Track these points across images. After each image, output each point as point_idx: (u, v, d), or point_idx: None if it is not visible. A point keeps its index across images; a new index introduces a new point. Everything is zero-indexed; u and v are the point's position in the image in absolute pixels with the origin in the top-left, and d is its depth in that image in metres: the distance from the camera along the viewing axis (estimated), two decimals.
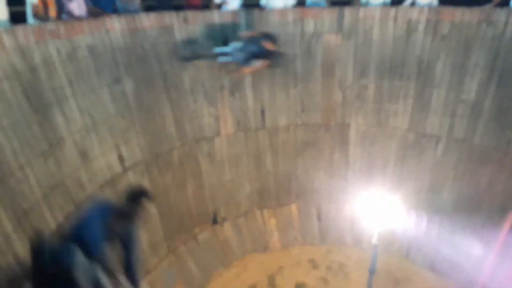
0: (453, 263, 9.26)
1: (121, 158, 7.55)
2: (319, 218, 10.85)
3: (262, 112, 9.54)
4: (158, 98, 8.16)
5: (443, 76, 8.59)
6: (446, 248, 9.43)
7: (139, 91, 7.77)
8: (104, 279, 4.16)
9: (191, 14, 8.10)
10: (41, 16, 6.61)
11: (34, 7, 6.59)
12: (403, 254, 10.03)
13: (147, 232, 8.15)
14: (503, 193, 8.27)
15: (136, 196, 4.72)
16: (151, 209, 8.05)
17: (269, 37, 7.78)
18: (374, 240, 5.88)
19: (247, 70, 7.99)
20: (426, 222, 9.80)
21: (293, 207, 10.89)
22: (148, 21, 7.63)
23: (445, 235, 9.47)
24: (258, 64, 7.79)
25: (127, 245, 4.47)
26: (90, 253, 4.08)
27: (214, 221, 9.93)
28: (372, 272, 6.14)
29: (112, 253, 4.38)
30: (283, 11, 8.71)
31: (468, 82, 8.33)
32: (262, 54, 7.69)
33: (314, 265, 9.86)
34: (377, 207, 5.82)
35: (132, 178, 7.69)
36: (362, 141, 10.07)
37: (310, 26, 8.86)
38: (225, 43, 8.33)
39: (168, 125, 8.45)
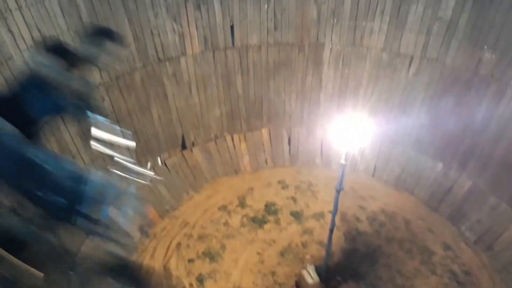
0: (416, 181, 9.67)
1: None
2: (289, 141, 10.86)
3: (232, 28, 8.91)
4: (115, 12, 7.37)
5: None
6: (410, 167, 9.77)
7: (93, 3, 6.95)
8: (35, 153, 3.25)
9: None
10: None
11: None
12: (370, 173, 10.35)
13: None
14: (468, 113, 8.37)
15: (99, 36, 3.80)
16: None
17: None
18: (342, 160, 5.88)
19: None
20: (393, 142, 9.99)
21: (264, 131, 10.79)
22: None
23: (411, 154, 9.75)
24: None
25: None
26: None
27: (183, 146, 9.74)
28: (338, 190, 6.25)
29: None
30: None
31: None
32: None
33: (283, 185, 10.07)
34: (346, 128, 5.72)
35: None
36: (336, 62, 9.75)
37: None
38: None
39: (128, 43, 7.76)
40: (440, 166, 9.31)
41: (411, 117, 9.42)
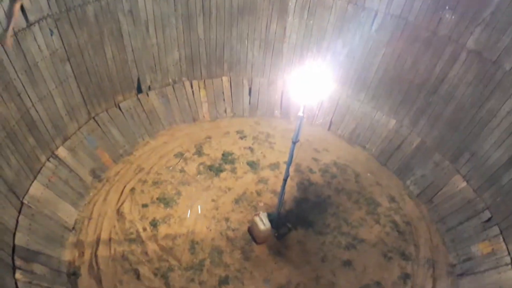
0: (369, 136, 10.02)
1: (23, 10, 6.26)
2: (250, 91, 10.72)
3: None
4: None
5: None
6: (365, 122, 10.06)
7: None
8: None
9: None
10: None
11: None
12: (326, 127, 10.58)
13: (63, 95, 7.44)
14: (424, 72, 8.60)
15: None
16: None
17: None
18: (300, 112, 5.90)
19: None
20: (351, 97, 10.16)
21: (225, 79, 10.55)
22: None
23: (366, 110, 9.99)
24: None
25: None
26: None
27: (139, 90, 9.33)
28: (294, 142, 6.33)
29: None
30: None
31: None
32: None
33: (242, 135, 10.07)
34: (306, 81, 5.68)
35: (39, 34, 6.58)
36: (301, 11, 9.50)
37: None
38: None
39: None
40: (393, 123, 9.65)
41: (370, 73, 9.55)
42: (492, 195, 7.64)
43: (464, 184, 8.25)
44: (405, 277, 7.54)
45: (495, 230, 7.39)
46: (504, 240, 7.18)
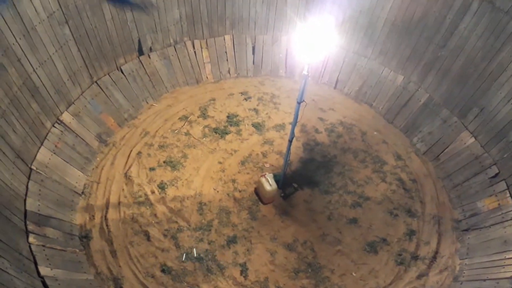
0: (376, 94, 9.83)
1: None
2: (254, 50, 10.45)
3: None
4: None
5: None
6: (372, 79, 9.83)
7: None
8: None
9: None
10: None
11: None
12: (332, 86, 10.37)
13: (64, 59, 7.31)
14: (434, 25, 8.26)
15: None
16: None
17: None
18: (304, 71, 5.75)
19: None
20: (357, 53, 9.87)
21: (227, 38, 10.25)
22: None
23: (373, 67, 9.74)
24: None
25: None
26: None
27: (140, 51, 9.13)
28: (299, 102, 6.22)
29: None
30: None
31: None
32: None
33: (246, 97, 9.94)
34: (312, 38, 5.47)
35: None
36: None
37: None
38: None
39: None
40: (400, 79, 9.42)
41: (377, 27, 9.20)
42: (500, 151, 7.57)
43: (472, 140, 8.16)
44: (411, 233, 7.66)
45: (502, 185, 7.39)
46: (510, 195, 7.19)
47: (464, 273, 6.95)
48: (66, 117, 7.71)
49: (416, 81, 9.16)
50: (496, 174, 7.55)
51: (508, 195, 7.23)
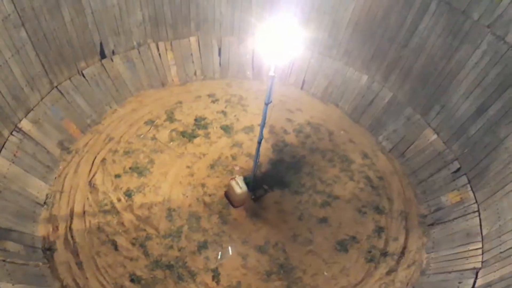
0: (341, 94, 9.97)
1: None
2: (220, 51, 10.34)
3: None
4: None
5: None
6: (337, 79, 9.96)
7: None
8: None
9: None
10: None
11: None
12: (299, 86, 10.43)
13: (21, 63, 6.95)
14: (395, 25, 8.47)
15: None
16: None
17: None
18: (271, 72, 5.73)
19: None
20: (323, 54, 9.97)
21: (192, 39, 10.09)
22: None
23: (338, 67, 9.87)
24: None
25: None
26: None
27: (102, 55, 8.83)
28: (267, 103, 6.19)
29: None
30: None
31: None
32: None
33: (213, 99, 9.82)
34: (277, 39, 5.46)
35: None
36: None
37: None
38: None
39: None
40: (365, 78, 9.60)
41: (341, 28, 9.33)
42: (461, 146, 7.86)
43: (434, 136, 8.43)
44: (380, 230, 7.82)
45: (463, 179, 7.67)
46: (471, 188, 7.48)
47: (430, 266, 7.16)
48: (25, 124, 7.35)
49: (380, 81, 9.37)
50: (458, 169, 7.83)
51: (469, 189, 7.50)
